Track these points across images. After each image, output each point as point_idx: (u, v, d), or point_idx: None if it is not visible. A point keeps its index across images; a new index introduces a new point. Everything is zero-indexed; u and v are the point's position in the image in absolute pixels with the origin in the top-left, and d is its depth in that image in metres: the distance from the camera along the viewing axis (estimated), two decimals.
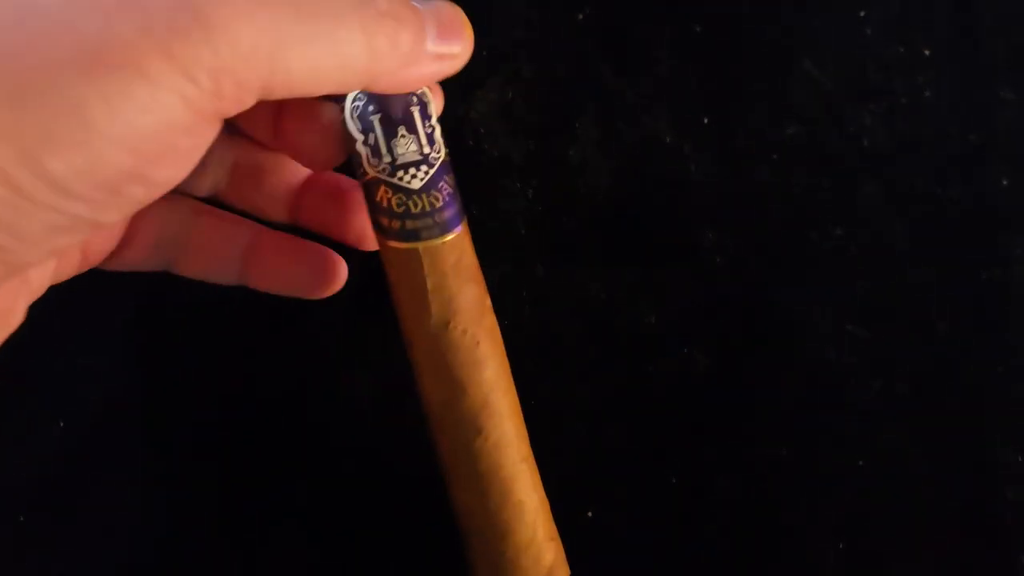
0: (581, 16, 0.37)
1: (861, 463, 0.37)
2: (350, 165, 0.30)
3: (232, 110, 0.24)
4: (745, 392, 0.37)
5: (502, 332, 0.31)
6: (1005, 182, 0.37)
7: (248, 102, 0.24)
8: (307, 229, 0.34)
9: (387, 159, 0.29)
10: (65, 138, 0.21)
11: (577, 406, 0.37)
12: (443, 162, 0.29)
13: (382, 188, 0.29)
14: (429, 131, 0.29)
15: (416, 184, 0.29)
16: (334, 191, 0.33)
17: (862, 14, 0.37)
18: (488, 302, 0.31)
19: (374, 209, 0.29)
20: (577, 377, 0.37)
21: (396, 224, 0.29)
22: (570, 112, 0.37)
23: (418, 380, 0.31)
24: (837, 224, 0.37)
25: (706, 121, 0.37)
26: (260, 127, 0.31)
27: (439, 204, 0.29)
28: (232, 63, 0.22)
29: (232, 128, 0.31)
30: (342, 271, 0.34)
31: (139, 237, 0.32)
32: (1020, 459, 0.37)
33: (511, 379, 0.31)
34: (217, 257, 0.33)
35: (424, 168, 0.29)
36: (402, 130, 0.29)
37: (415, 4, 0.27)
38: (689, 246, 0.37)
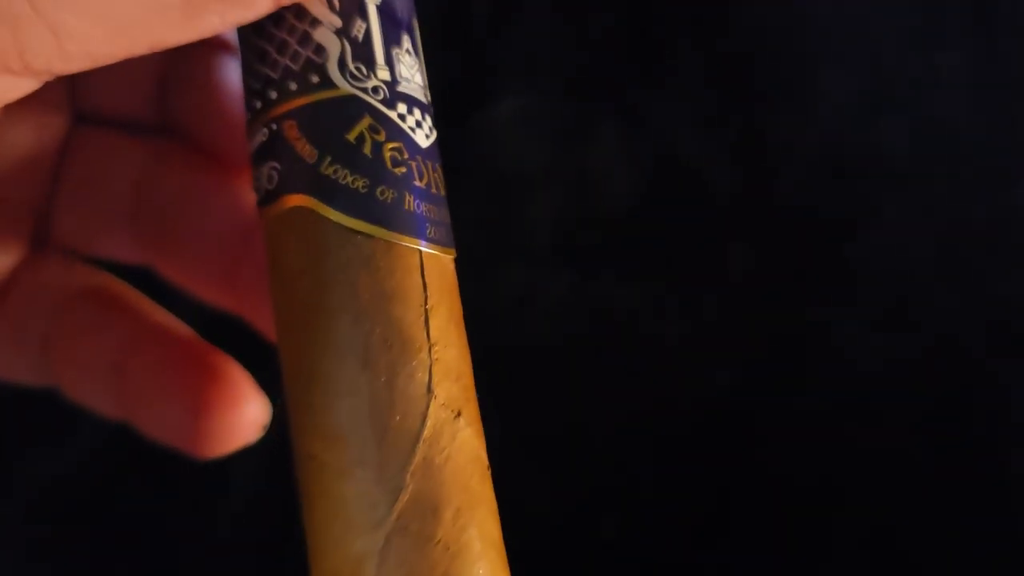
0: (603, 26, 0.37)
1: (887, 481, 0.37)
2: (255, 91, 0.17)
3: None
4: (769, 408, 0.37)
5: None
6: None
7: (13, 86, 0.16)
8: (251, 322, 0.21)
9: (384, 74, 0.16)
10: None
11: (597, 420, 0.37)
12: (436, 141, 0.18)
13: (365, 120, 0.16)
14: (424, 75, 0.18)
15: (422, 139, 0.17)
16: None
17: (886, 31, 0.37)
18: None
19: (333, 152, 0.16)
20: (598, 391, 0.37)
21: (388, 194, 0.16)
22: (592, 122, 0.37)
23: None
24: (861, 240, 0.37)
25: (729, 134, 0.37)
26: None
27: (443, 192, 0.17)
28: None
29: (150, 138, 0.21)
30: (249, 415, 0.20)
31: None
32: None
33: None
34: (88, 372, 0.21)
35: (430, 121, 0.17)
36: (407, 42, 0.17)
37: None
38: (712, 259, 0.37)
